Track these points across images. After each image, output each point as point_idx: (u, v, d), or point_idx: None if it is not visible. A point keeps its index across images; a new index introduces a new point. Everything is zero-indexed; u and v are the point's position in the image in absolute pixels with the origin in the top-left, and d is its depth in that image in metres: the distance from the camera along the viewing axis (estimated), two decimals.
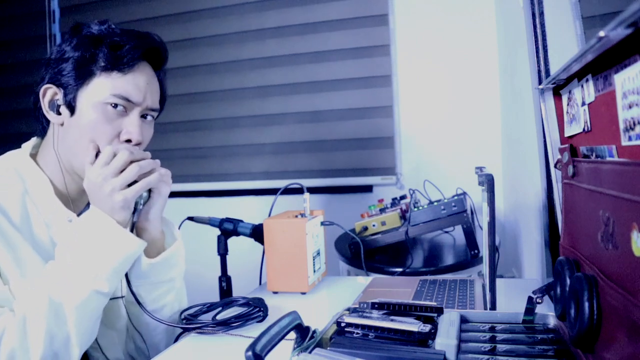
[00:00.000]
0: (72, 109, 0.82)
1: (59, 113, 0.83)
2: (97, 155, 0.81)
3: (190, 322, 0.87)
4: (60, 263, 0.76)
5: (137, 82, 0.84)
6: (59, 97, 0.83)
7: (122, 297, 0.93)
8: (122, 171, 0.78)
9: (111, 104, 0.82)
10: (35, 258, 0.79)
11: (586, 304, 0.51)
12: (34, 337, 0.71)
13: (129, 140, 0.84)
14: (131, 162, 0.79)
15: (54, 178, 0.86)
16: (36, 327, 0.71)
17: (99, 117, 0.81)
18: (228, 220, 1.19)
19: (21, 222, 0.79)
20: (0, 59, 2.44)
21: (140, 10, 2.24)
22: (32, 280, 0.76)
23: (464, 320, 0.68)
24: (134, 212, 0.83)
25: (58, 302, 0.73)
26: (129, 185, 0.79)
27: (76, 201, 0.90)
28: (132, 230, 0.82)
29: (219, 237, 1.20)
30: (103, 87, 0.82)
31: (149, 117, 0.89)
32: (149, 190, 0.85)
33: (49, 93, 0.84)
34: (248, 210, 2.03)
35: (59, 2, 2.35)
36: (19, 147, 0.89)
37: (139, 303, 0.84)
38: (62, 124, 0.84)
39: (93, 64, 0.82)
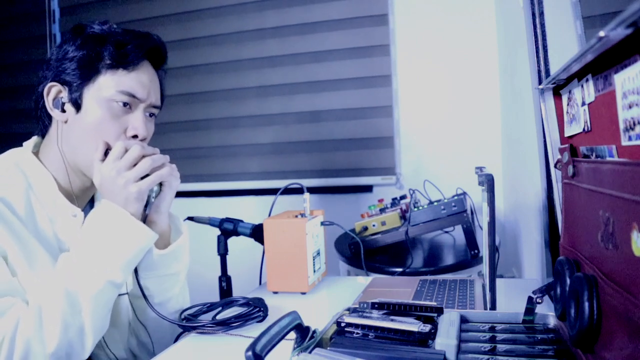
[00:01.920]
0: (77, 106, 0.83)
1: (63, 111, 0.84)
2: (106, 152, 0.82)
3: (190, 322, 0.87)
4: (74, 255, 0.77)
5: (141, 79, 0.86)
6: (64, 94, 0.84)
7: (126, 293, 0.94)
8: (134, 165, 0.80)
9: (117, 101, 0.83)
10: (41, 251, 0.79)
11: (586, 304, 0.51)
12: (49, 327, 0.72)
13: (135, 136, 0.86)
14: (143, 156, 0.81)
15: (57, 175, 0.87)
16: (52, 316, 0.72)
17: (105, 113, 0.83)
18: (228, 220, 1.19)
19: (26, 217, 0.80)
20: (0, 59, 2.44)
21: (140, 10, 2.24)
22: (44, 272, 0.77)
23: (464, 320, 0.68)
24: (145, 206, 0.84)
25: (74, 292, 0.74)
26: (141, 178, 0.81)
27: (79, 198, 0.91)
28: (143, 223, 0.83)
29: (219, 237, 1.20)
30: (109, 84, 0.83)
31: (152, 114, 0.90)
32: (160, 184, 0.87)
33: (53, 91, 0.84)
34: (248, 210, 2.03)
35: (59, 2, 2.35)
36: (20, 146, 0.90)
37: (144, 296, 0.85)
38: (66, 122, 0.85)
39: (98, 62, 0.83)
